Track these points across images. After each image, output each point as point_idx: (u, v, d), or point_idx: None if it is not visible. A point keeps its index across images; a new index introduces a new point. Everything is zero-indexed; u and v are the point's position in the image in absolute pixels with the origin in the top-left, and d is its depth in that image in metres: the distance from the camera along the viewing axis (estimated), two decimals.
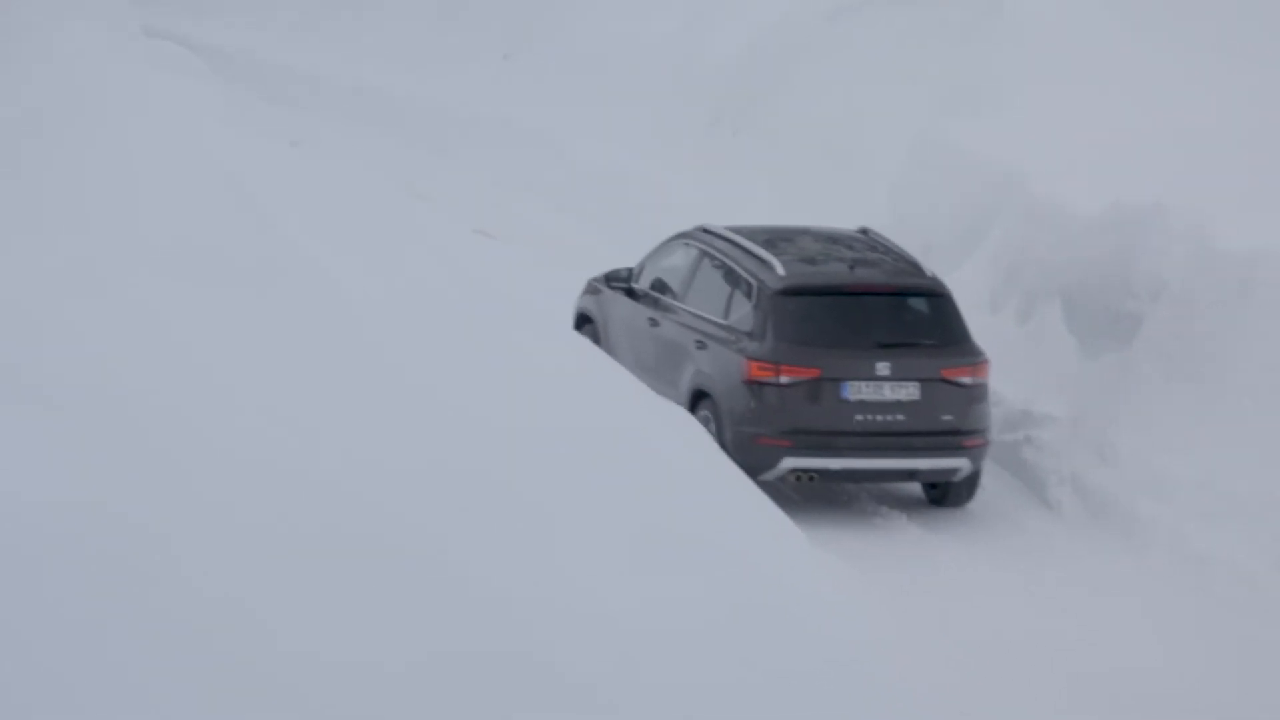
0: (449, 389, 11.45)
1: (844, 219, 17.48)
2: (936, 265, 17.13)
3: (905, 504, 16.08)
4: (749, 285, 16.04)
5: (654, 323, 16.83)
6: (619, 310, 17.42)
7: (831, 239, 16.97)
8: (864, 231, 17.18)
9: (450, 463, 10.46)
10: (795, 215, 19.18)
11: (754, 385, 15.62)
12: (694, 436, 11.83)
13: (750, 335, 15.82)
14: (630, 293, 17.27)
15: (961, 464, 15.76)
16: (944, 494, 16.16)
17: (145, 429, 10.09)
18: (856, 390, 15.63)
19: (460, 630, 8.87)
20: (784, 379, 15.59)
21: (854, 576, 10.77)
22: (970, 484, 16.06)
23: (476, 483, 10.31)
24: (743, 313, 16.00)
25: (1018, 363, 16.79)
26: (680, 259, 17.03)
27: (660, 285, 17.07)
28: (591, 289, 17.96)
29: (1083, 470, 15.70)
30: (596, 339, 17.50)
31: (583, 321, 18.00)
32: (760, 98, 22.52)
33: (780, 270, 15.91)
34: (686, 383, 16.23)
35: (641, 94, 23.85)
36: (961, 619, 13.70)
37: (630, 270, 17.46)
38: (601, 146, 23.13)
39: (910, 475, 16.00)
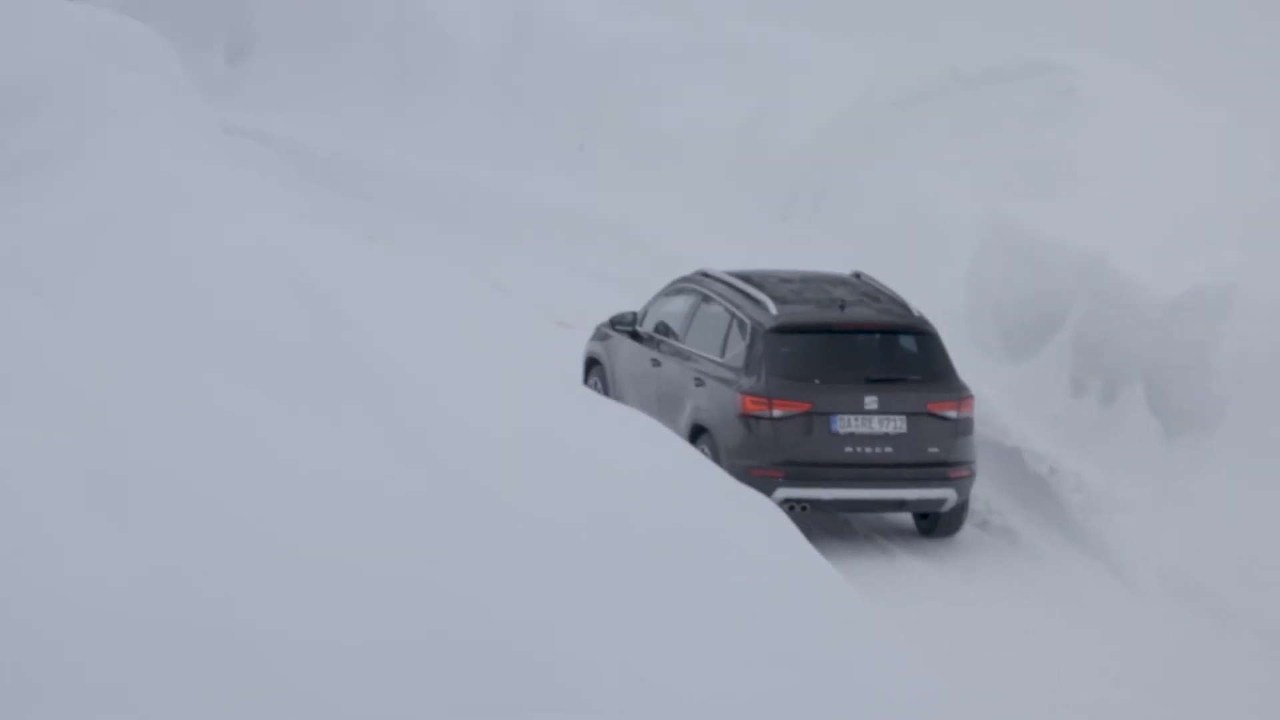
0: (530, 484, 11.41)
1: (919, 303, 17.43)
2: (1015, 348, 17.06)
3: (1001, 586, 15.88)
4: (743, 324, 16.81)
5: (656, 363, 17.58)
6: (624, 352, 18.16)
7: (825, 281, 17.72)
8: (857, 275, 17.89)
9: (533, 557, 10.42)
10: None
11: (748, 419, 16.35)
12: (778, 528, 11.75)
13: (744, 371, 16.56)
14: (635, 335, 18.06)
15: (948, 494, 16.40)
16: (933, 524, 16.78)
17: (223, 529, 10.09)
18: (846, 423, 16.34)
19: None
20: (776, 412, 16.31)
21: (929, 667, 10.67)
22: (958, 514, 16.68)
23: (561, 577, 10.25)
24: (738, 350, 16.76)
25: (1100, 445, 16.67)
26: (681, 302, 17.83)
27: (662, 327, 17.85)
28: (600, 334, 18.74)
29: (1167, 553, 15.56)
30: (604, 381, 18.46)
31: (591, 365, 18.87)
32: (832, 184, 22.52)
33: (773, 309, 16.68)
34: (686, 419, 16.93)
35: (713, 181, 23.88)
36: (1056, 697, 13.59)
37: (634, 314, 18.28)
38: (674, 233, 23.12)
39: (899, 505, 16.65)
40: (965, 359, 18.53)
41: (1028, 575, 15.92)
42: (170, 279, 12.75)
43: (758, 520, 11.68)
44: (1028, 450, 17.20)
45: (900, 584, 15.72)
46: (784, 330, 16.59)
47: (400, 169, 28.01)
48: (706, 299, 17.48)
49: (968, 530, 16.68)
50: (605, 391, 18.49)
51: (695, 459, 12.30)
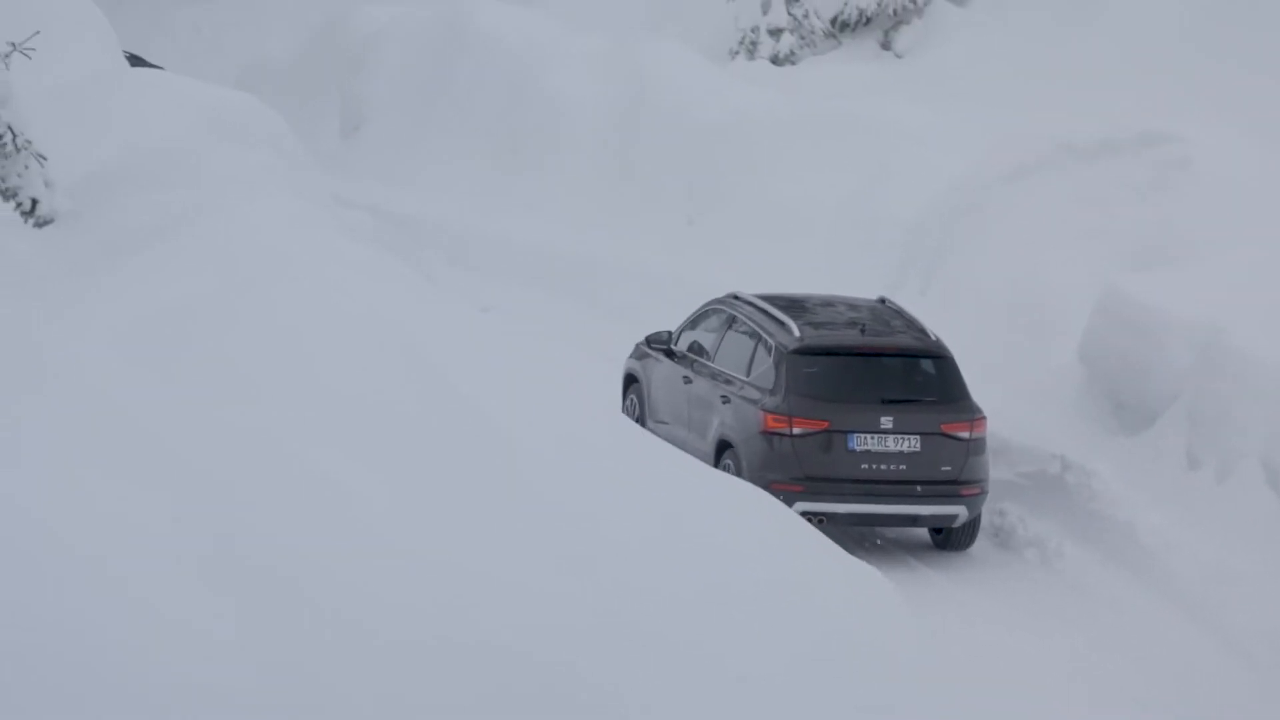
0: (633, 549, 11.41)
1: (1032, 376, 17.38)
2: (1129, 421, 16.93)
3: (1112, 657, 15.72)
4: (768, 345, 17.66)
5: (688, 380, 18.50)
6: (659, 370, 19.18)
7: (850, 307, 18.61)
8: (882, 301, 18.79)
9: (630, 622, 10.41)
10: (986, 372, 19.07)
11: (769, 435, 17.18)
12: (876, 593, 11.70)
13: (767, 390, 17.39)
14: (669, 353, 19.06)
15: (959, 511, 17.22)
16: (947, 539, 17.62)
17: (325, 594, 10.13)
18: (862, 441, 17.16)
19: None
20: (796, 430, 17.11)
21: None
22: (970, 530, 17.51)
23: (655, 643, 10.24)
24: (762, 370, 17.59)
25: (1215, 519, 16.52)
26: (712, 322, 18.78)
27: (695, 346, 18.79)
28: (638, 352, 19.78)
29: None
30: (640, 398, 19.50)
31: (629, 382, 19.88)
32: (944, 256, 22.45)
33: (796, 331, 17.55)
34: (713, 434, 17.83)
35: (824, 254, 23.85)
36: None
37: (670, 333, 19.30)
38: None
39: (912, 520, 17.44)
40: (1078, 432, 18.42)
41: (1139, 647, 15.76)
42: (283, 349, 12.87)
43: (857, 584, 11.64)
44: (1141, 524, 17.05)
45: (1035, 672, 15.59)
46: (805, 352, 17.38)
47: (511, 240, 28.13)
48: (735, 320, 18.33)
49: (1070, 599, 16.51)
50: (641, 407, 19.53)
51: (790, 519, 12.29)
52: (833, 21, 33.55)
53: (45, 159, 18.19)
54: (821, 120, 26.68)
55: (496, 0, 36.95)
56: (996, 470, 18.10)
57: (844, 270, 23.36)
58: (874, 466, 17.16)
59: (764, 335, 17.81)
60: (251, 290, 13.83)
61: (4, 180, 18.05)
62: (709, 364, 18.42)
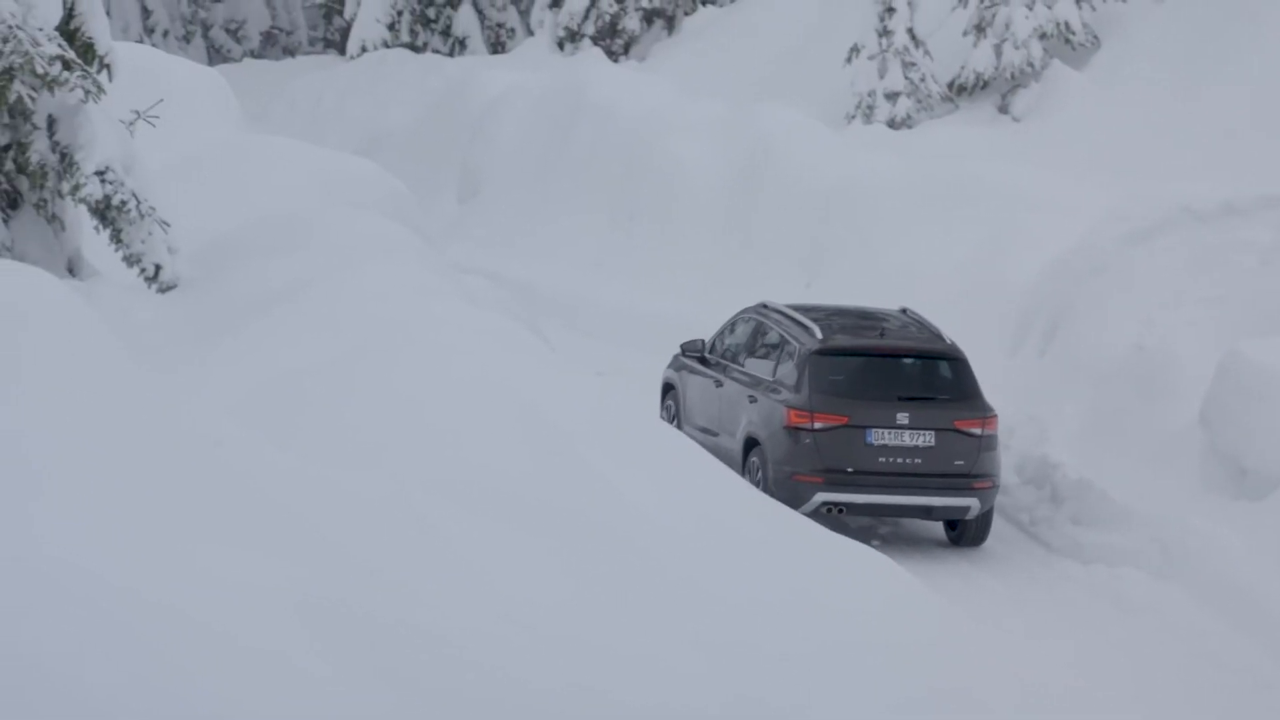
0: (755, 621, 11.38)
1: (1152, 439, 17.20)
2: (1252, 487, 16.72)
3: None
4: (792, 347, 18.83)
5: (719, 384, 19.80)
6: (694, 376, 20.52)
7: (872, 314, 19.85)
8: (903, 310, 19.98)
9: (761, 698, 10.37)
10: (1105, 435, 18.93)
11: (792, 430, 18.27)
12: (993, 654, 11.63)
13: (791, 388, 18.51)
14: (703, 360, 20.44)
15: (971, 503, 18.25)
16: (961, 533, 18.67)
17: (457, 665, 10.15)
18: (880, 436, 18.20)
19: None
20: (817, 425, 18.19)
21: None
22: (983, 523, 18.54)
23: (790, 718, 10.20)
24: (786, 370, 18.76)
25: None
26: (742, 330, 20.07)
27: (726, 352, 20.12)
28: (675, 362, 21.24)
29: None
30: (677, 404, 20.89)
31: (667, 390, 21.37)
32: (1062, 319, 22.31)
33: (818, 334, 18.74)
34: (741, 433, 18.97)
35: (941, 316, 23.75)
36: None
37: (703, 342, 20.69)
38: None
39: (927, 512, 18.36)
40: (1199, 496, 18.20)
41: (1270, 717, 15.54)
42: (403, 415, 12.94)
43: (973, 642, 11.57)
44: (1267, 590, 16.83)
45: None
46: (826, 353, 18.54)
47: (627, 305, 28.21)
48: (763, 326, 19.63)
49: (1195, 666, 16.31)
50: (677, 411, 20.87)
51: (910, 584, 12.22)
52: (950, 85, 33.52)
53: (168, 225, 18.41)
54: (939, 184, 26.62)
55: (614, 67, 37.18)
56: (1118, 533, 17.92)
57: (960, 333, 23.25)
58: (891, 460, 18.15)
59: (788, 338, 18.96)
60: (371, 356, 13.93)
61: (128, 246, 18.28)
62: (739, 367, 19.62)
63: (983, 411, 18.46)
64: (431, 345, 14.14)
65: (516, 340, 14.91)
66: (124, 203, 18.01)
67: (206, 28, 56.04)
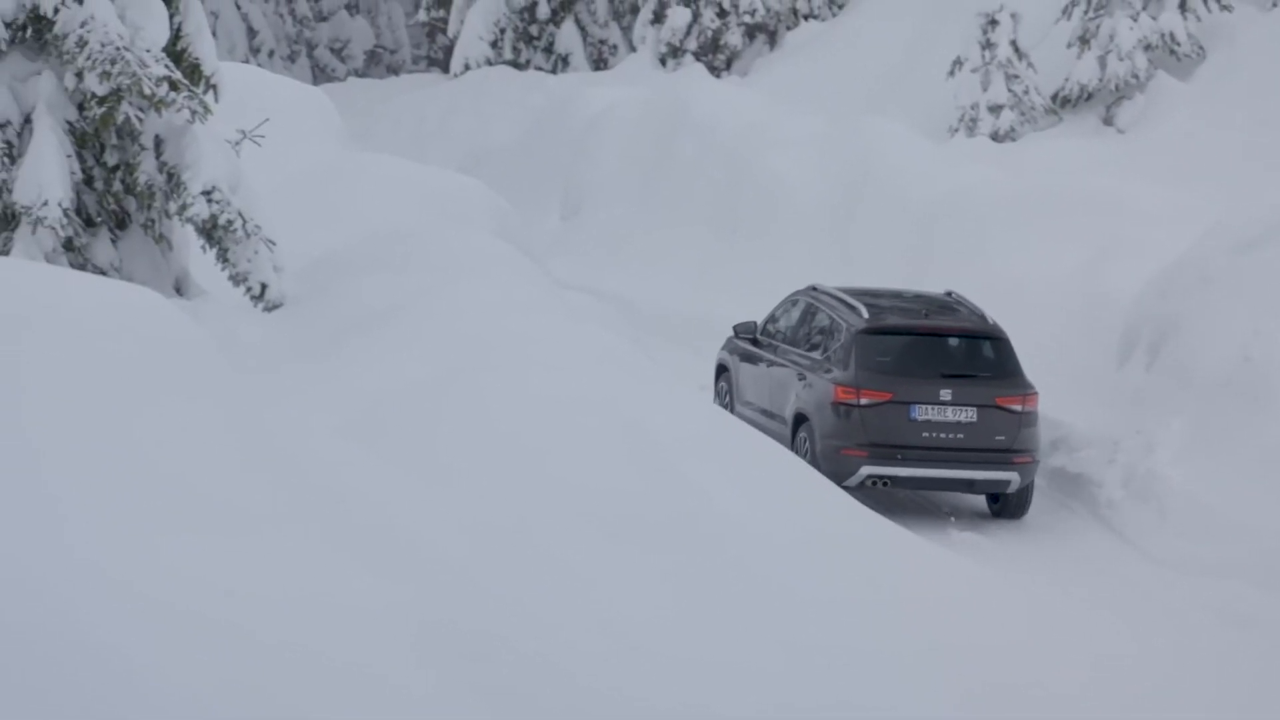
0: (846, 623, 11.36)
1: (1261, 450, 17.03)
2: None
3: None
4: (840, 326, 19.55)
5: (770, 363, 20.61)
6: (746, 357, 21.36)
7: (919, 297, 20.64)
8: (949, 293, 20.81)
9: (860, 705, 10.36)
10: (1213, 446, 18.76)
11: (839, 406, 18.95)
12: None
13: (839, 366, 19.21)
14: (754, 341, 21.31)
15: (1012, 477, 18.97)
16: (1003, 506, 19.41)
17: (569, 686, 10.18)
18: (923, 412, 18.88)
19: None
20: (863, 400, 18.87)
21: None
22: (1023, 497, 19.31)
23: None
24: (834, 348, 19.48)
25: None
26: (793, 312, 20.87)
27: (777, 333, 20.97)
28: (728, 345, 22.04)
29: None
30: (730, 384, 21.68)
31: (720, 371, 22.19)
32: (1171, 331, 22.13)
33: (864, 314, 19.47)
34: (790, 409, 19.71)
35: (1046, 328, 23.64)
36: None
37: (755, 323, 21.57)
38: None
39: (969, 485, 19.10)
40: None
41: None
42: (504, 430, 12.99)
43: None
44: None
45: None
46: (872, 331, 19.24)
47: (729, 319, 28.20)
48: (813, 307, 20.41)
49: None
50: (730, 391, 21.64)
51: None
52: (1054, 97, 33.36)
53: (274, 244, 18.54)
54: (1043, 197, 26.50)
55: (716, 82, 37.19)
56: (1225, 547, 17.77)
57: (1066, 345, 23.15)
58: (934, 435, 18.83)
59: (836, 318, 19.71)
60: (474, 373, 14.00)
61: (234, 265, 18.42)
62: (789, 347, 20.41)
63: (1023, 389, 19.13)
64: (535, 362, 14.20)
65: (619, 356, 14.94)
66: (230, 222, 18.15)
67: (311, 47, 56.45)
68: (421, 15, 47.54)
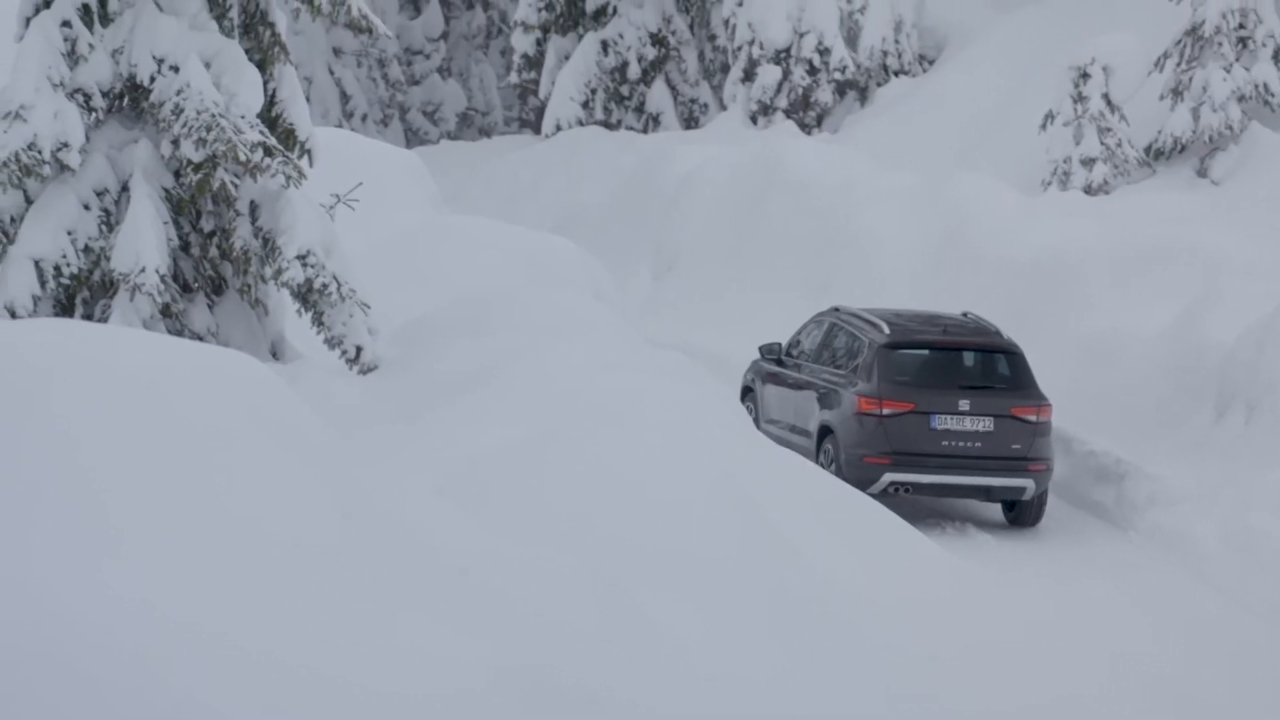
0: (938, 674, 11.32)
1: None
2: None
3: None
4: (863, 342, 20.64)
5: (795, 381, 21.68)
6: (771, 376, 22.46)
7: (937, 316, 21.68)
8: (964, 314, 21.84)
9: None
10: None
11: (863, 416, 19.96)
12: None
13: (862, 379, 20.24)
14: (779, 362, 22.49)
15: (1028, 484, 20.02)
16: (1018, 514, 20.44)
17: None
18: (943, 421, 19.92)
19: None
20: (886, 411, 19.87)
21: None
22: (1038, 504, 20.33)
23: None
24: (858, 363, 20.54)
25: None
26: (817, 332, 22.06)
27: (801, 352, 22.15)
28: (753, 366, 23.26)
29: None
30: (756, 403, 22.69)
31: (746, 392, 23.24)
32: (1267, 385, 21.97)
33: (886, 330, 20.55)
34: (815, 422, 20.72)
35: (1141, 381, 23.50)
36: None
37: (780, 345, 22.78)
38: (1111, 438, 22.77)
39: (986, 492, 20.09)
40: None
41: None
42: (599, 489, 13.02)
43: None
44: None
45: None
46: (894, 346, 20.34)
47: None
48: (837, 326, 21.53)
49: None
50: (755, 410, 22.61)
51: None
52: (1147, 150, 33.21)
53: (369, 307, 18.66)
54: (1137, 250, 26.35)
55: (807, 139, 37.23)
56: None
57: (1163, 398, 23.00)
58: (953, 443, 19.87)
59: (859, 335, 20.80)
60: (569, 433, 14.04)
61: (330, 329, 18.54)
62: (814, 365, 21.51)
63: (1037, 400, 20.18)
64: (629, 421, 14.23)
65: (712, 413, 14.95)
66: (325, 286, 18.28)
67: (404, 111, 56.89)
68: (513, 77, 47.82)
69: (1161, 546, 20.05)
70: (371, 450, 14.07)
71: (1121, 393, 23.58)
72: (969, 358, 20.52)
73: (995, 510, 21.42)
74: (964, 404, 19.92)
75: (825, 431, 20.55)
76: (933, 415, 19.92)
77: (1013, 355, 20.59)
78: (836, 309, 22.11)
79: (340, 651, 9.68)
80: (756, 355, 23.17)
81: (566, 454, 13.64)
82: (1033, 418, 20.12)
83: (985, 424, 19.95)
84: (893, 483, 19.80)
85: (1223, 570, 19.29)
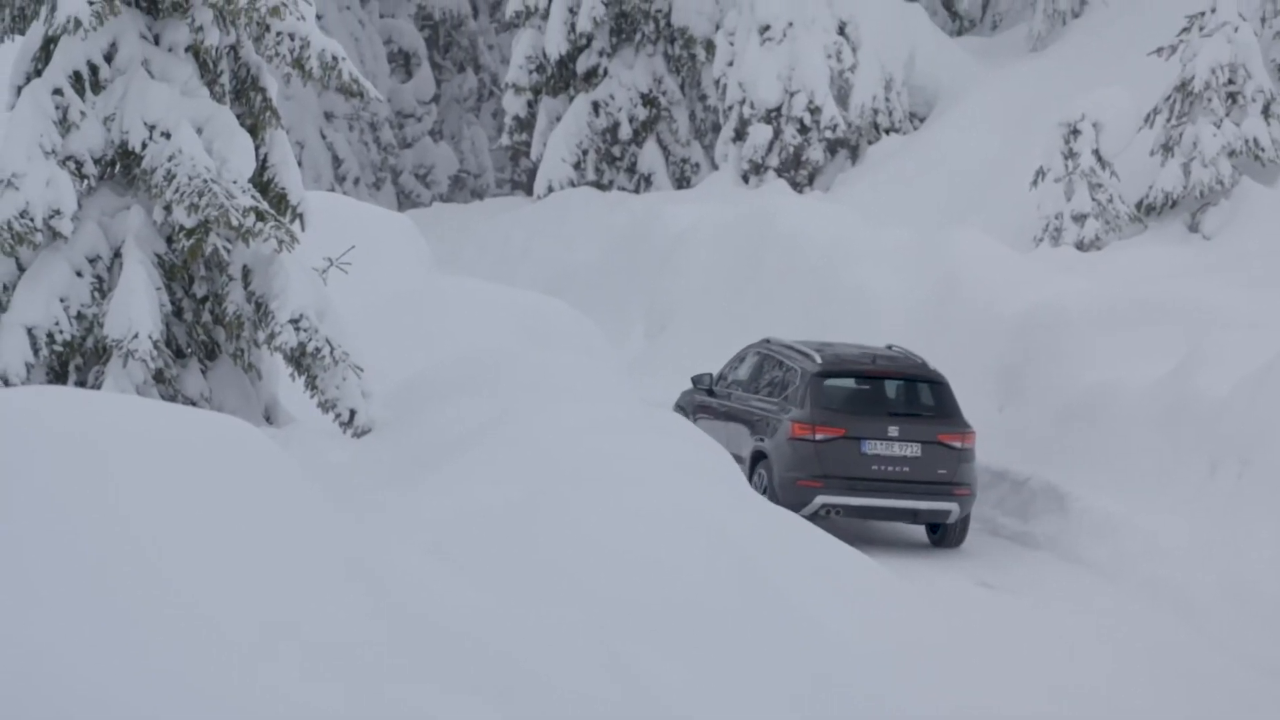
0: None
1: None
2: None
3: None
4: (795, 371, 21.75)
5: (727, 410, 22.66)
6: (703, 406, 23.44)
7: (865, 348, 22.85)
8: (889, 347, 23.06)
9: None
10: None
11: (796, 441, 20.98)
12: None
13: (795, 405, 21.29)
14: (710, 392, 23.54)
15: (952, 507, 21.12)
16: (942, 536, 21.53)
17: None
18: (873, 446, 20.95)
19: None
20: (818, 436, 20.90)
21: None
22: (961, 527, 21.48)
23: None
24: (790, 391, 21.58)
25: None
26: (749, 362, 23.08)
27: (733, 383, 23.13)
28: (682, 397, 24.42)
29: None
30: None
31: None
32: (1261, 439, 21.97)
33: (818, 359, 21.73)
34: (749, 449, 21.65)
35: (1133, 436, 23.49)
36: None
37: (711, 375, 23.85)
38: (1100, 492, 22.77)
39: (913, 515, 21.14)
40: None
41: None
42: (595, 547, 13.01)
43: None
44: None
45: None
46: (825, 374, 21.48)
47: None
48: (768, 357, 22.61)
49: None
50: None
51: None
52: (1138, 205, 33.30)
53: (362, 370, 18.67)
54: (1130, 304, 26.39)
55: (799, 197, 37.32)
56: None
57: (1157, 452, 23.00)
58: (883, 468, 20.88)
59: (791, 365, 21.89)
60: (563, 492, 14.03)
61: (323, 392, 18.54)
62: (746, 394, 22.49)
63: (962, 427, 21.38)
64: (624, 479, 14.22)
65: (708, 470, 14.95)
66: (318, 349, 18.29)
67: (396, 174, 57.01)
68: (504, 139, 47.94)
69: (1156, 600, 20.03)
70: (364, 510, 14.06)
71: (1114, 447, 23.58)
72: (897, 386, 21.54)
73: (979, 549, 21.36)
74: (893, 430, 20.90)
75: (759, 456, 21.48)
76: (863, 440, 20.89)
77: (938, 385, 21.69)
78: (767, 340, 23.15)
79: (333, 713, 9.66)
80: (687, 387, 24.27)
81: (560, 513, 13.63)
82: (958, 444, 21.17)
83: (913, 449, 20.95)
84: (824, 505, 20.75)
85: (1219, 624, 19.27)
